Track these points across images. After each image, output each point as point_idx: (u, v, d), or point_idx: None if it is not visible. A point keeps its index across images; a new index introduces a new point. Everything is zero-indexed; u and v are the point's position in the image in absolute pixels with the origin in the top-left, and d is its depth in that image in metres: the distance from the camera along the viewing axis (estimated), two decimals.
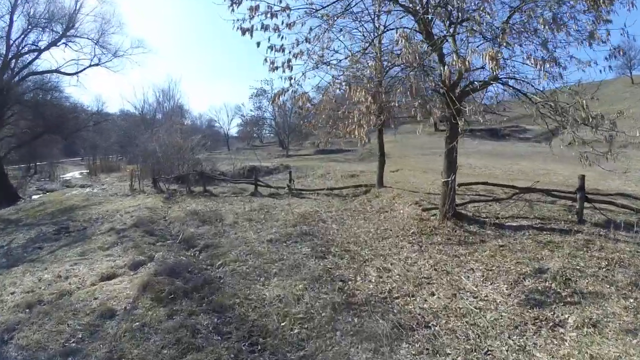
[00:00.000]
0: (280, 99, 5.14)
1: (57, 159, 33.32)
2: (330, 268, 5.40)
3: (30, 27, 19.18)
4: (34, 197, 19.09)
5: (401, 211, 7.56)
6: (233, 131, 49.32)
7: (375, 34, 7.13)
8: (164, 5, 78.00)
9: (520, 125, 35.87)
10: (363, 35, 7.77)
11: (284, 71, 4.98)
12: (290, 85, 5.14)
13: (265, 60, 5.03)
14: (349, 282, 4.91)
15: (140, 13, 68.73)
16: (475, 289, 4.47)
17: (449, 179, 6.31)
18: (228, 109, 59.46)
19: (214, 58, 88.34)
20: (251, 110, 36.73)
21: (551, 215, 6.95)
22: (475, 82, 6.27)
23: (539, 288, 4.37)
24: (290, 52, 5.04)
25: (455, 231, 6.20)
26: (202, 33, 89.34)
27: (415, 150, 27.64)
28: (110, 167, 31.58)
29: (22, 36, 19.36)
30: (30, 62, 20.25)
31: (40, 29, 19.81)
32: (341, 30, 6.39)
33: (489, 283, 4.62)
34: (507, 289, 4.41)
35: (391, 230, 6.64)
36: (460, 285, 4.59)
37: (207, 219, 8.45)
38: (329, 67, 6.07)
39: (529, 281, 4.55)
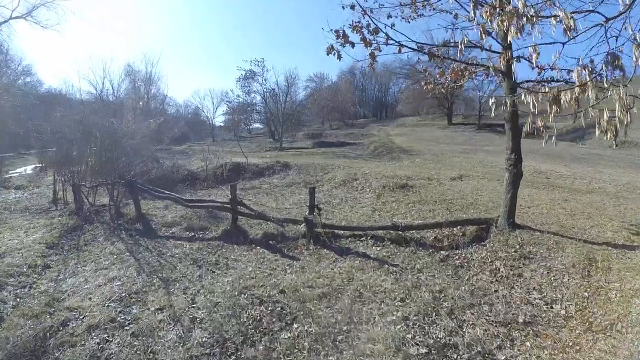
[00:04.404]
0: None
1: (22, 150, 26.93)
2: None
3: None
4: None
5: None
6: (219, 120, 43.43)
7: None
8: (164, 4, 72.01)
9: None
10: None
11: None
12: None
13: None
14: None
15: (141, 13, 62.28)
16: None
17: None
18: (213, 95, 52.80)
19: (216, 57, 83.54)
20: (239, 97, 30.64)
21: None
22: None
23: None
24: None
25: None
26: (203, 33, 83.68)
27: (439, 146, 22.52)
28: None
29: None
30: None
31: None
32: None
33: None
34: None
35: None
36: None
37: None
38: None
39: None
